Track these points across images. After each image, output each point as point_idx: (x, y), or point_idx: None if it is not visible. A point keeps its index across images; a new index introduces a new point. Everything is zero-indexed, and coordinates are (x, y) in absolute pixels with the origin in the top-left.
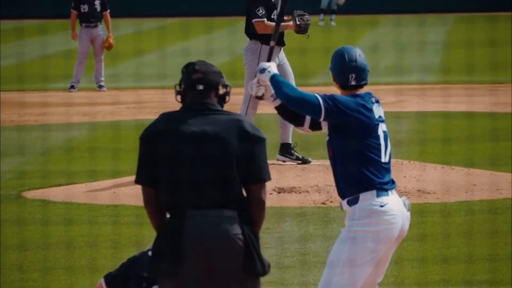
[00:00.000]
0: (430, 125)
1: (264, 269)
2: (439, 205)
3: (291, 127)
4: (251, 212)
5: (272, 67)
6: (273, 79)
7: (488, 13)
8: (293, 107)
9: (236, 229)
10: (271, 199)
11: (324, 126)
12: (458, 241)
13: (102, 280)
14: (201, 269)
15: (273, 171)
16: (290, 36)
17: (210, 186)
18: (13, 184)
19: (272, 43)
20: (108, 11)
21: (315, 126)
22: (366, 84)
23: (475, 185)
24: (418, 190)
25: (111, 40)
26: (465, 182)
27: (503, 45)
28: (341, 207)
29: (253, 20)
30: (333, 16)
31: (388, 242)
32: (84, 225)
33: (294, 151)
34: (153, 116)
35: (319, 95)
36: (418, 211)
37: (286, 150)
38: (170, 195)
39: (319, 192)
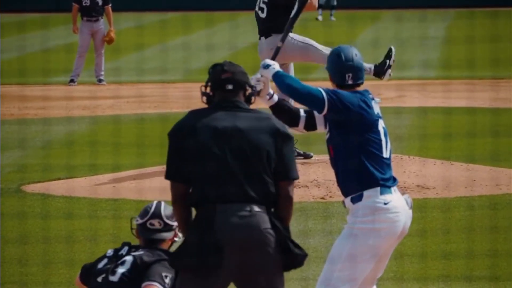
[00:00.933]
0: (430, 121)
1: (303, 258)
2: (439, 201)
3: None
4: (280, 208)
5: (276, 66)
6: (277, 73)
7: (488, 9)
8: (297, 100)
9: (266, 224)
10: None
11: (320, 126)
12: (458, 237)
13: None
14: (234, 263)
15: None
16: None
17: (240, 180)
18: (14, 178)
19: (279, 43)
20: (110, 5)
21: (310, 126)
22: (362, 83)
23: (475, 180)
24: (418, 186)
25: (112, 34)
26: (465, 178)
27: (504, 40)
28: (343, 204)
29: None
30: (333, 11)
31: (390, 240)
32: (84, 219)
33: (295, 147)
34: (154, 110)
35: (323, 89)
36: (418, 207)
37: None
38: (200, 189)
39: (319, 187)
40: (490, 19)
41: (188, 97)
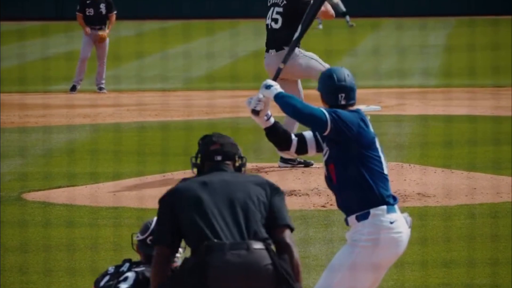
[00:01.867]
0: (431, 128)
1: None
2: (439, 209)
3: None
4: (283, 260)
5: (278, 86)
6: (279, 95)
7: (489, 17)
8: (300, 120)
9: (266, 260)
10: None
11: (311, 150)
12: (459, 245)
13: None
14: None
15: (273, 175)
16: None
17: (235, 228)
18: (14, 186)
19: (282, 65)
20: (115, 12)
21: (301, 150)
22: (354, 103)
23: (475, 188)
24: (419, 194)
25: (105, 34)
26: (466, 186)
27: (504, 48)
28: (346, 222)
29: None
30: (347, 17)
31: (392, 259)
32: (85, 227)
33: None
34: (154, 118)
35: (324, 109)
36: (418, 215)
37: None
38: (196, 238)
39: (319, 195)
40: (491, 27)
41: (188, 105)
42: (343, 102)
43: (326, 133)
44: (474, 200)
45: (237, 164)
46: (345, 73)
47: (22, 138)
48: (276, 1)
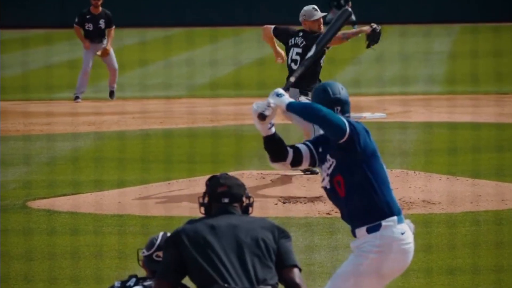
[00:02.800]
0: (435, 135)
1: None
2: (444, 216)
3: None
4: None
5: (287, 96)
6: (292, 102)
7: (492, 24)
8: (321, 124)
9: None
10: (276, 210)
11: (305, 161)
12: (464, 252)
13: None
14: None
15: (278, 182)
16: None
17: (243, 273)
18: (19, 194)
19: (292, 78)
20: (113, 27)
21: (296, 162)
22: (349, 116)
23: (480, 196)
24: (424, 201)
25: (107, 48)
26: (471, 193)
27: (506, 55)
28: (354, 234)
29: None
30: (356, 27)
31: (402, 270)
32: (90, 235)
33: None
34: (158, 126)
35: (342, 116)
36: (423, 222)
37: None
38: (204, 282)
39: (324, 203)
40: (494, 33)
41: (192, 112)
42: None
43: (342, 141)
44: (479, 207)
45: (244, 204)
46: (339, 87)
47: (27, 146)
48: (296, 42)
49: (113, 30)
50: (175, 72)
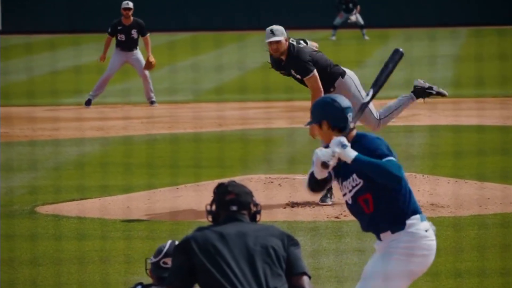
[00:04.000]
0: (442, 139)
1: None
2: (452, 219)
3: None
4: None
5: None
6: (357, 157)
7: (496, 27)
8: (385, 178)
9: None
10: (284, 214)
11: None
12: (471, 255)
13: None
14: None
15: (286, 186)
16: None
17: (255, 282)
18: (26, 199)
19: (352, 124)
20: (148, 35)
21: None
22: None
23: (489, 198)
24: (432, 204)
25: (151, 60)
26: (479, 196)
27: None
28: (378, 238)
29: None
30: (364, 31)
31: (426, 267)
32: (97, 240)
33: None
34: (164, 131)
35: (392, 157)
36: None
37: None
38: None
39: (333, 206)
40: (499, 37)
41: (198, 117)
42: (352, 124)
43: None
44: (487, 210)
45: (252, 211)
46: (343, 97)
47: (34, 151)
48: (292, 74)
49: (148, 38)
50: (181, 77)
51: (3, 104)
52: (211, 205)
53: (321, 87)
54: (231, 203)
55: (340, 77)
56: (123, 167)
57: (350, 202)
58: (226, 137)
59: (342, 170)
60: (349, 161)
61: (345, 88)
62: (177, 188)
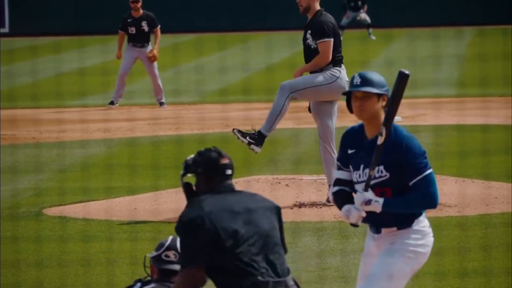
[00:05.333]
0: (447, 138)
1: None
2: (459, 218)
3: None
4: None
5: (373, 195)
6: (385, 204)
7: (501, 26)
8: (421, 209)
9: None
10: (291, 214)
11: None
12: (478, 255)
13: None
14: None
15: (293, 186)
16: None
17: (270, 264)
18: (32, 201)
19: (372, 172)
20: (159, 26)
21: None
22: None
23: (496, 198)
24: (440, 203)
25: (155, 52)
26: (486, 195)
27: None
28: (379, 232)
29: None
30: (371, 30)
31: (424, 263)
32: (103, 241)
33: None
34: (169, 132)
35: (430, 168)
36: (437, 225)
37: None
38: (234, 274)
39: None
40: (503, 36)
41: (202, 118)
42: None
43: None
44: (495, 210)
45: None
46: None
47: (39, 153)
48: (306, 37)
49: (159, 31)
50: (185, 78)
51: (8, 107)
52: (195, 171)
53: (330, 56)
54: (226, 167)
55: (333, 65)
56: (128, 169)
57: (362, 190)
58: (231, 138)
59: (367, 158)
60: (379, 211)
61: (325, 77)
62: (181, 189)
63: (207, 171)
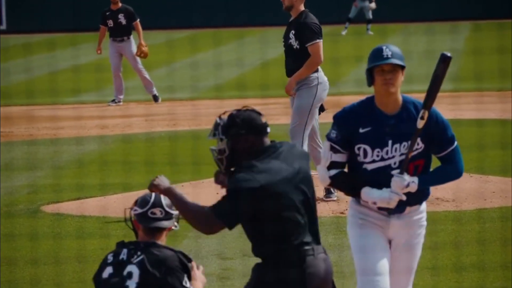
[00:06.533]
0: None
1: None
2: (457, 213)
3: None
4: None
5: (408, 177)
6: (421, 183)
7: (496, 20)
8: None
9: (330, 263)
10: None
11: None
12: (474, 249)
13: None
14: None
15: None
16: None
17: (312, 230)
18: (27, 199)
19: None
20: (138, 20)
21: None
22: None
23: (493, 192)
24: (437, 198)
25: (143, 48)
26: (484, 190)
27: (510, 52)
28: (402, 211)
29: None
30: (369, 26)
31: None
32: (99, 238)
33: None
34: (163, 129)
35: (456, 143)
36: (434, 219)
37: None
38: (281, 233)
39: (338, 202)
40: (497, 31)
41: (197, 114)
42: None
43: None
44: (492, 204)
45: None
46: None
47: (34, 150)
48: (288, 38)
49: (139, 24)
50: (180, 74)
51: (3, 104)
52: (235, 133)
53: (322, 57)
54: (267, 125)
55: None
56: (124, 165)
57: (395, 166)
58: None
59: (395, 134)
60: (414, 191)
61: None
62: (182, 186)
63: (251, 131)
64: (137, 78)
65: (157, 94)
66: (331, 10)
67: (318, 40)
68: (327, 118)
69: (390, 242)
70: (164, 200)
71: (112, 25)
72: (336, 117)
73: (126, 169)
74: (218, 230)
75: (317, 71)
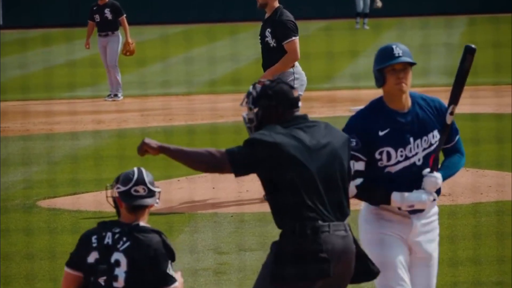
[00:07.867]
0: None
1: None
2: (453, 207)
3: None
4: None
5: (433, 173)
6: (443, 175)
7: (490, 15)
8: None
9: (353, 244)
10: None
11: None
12: (470, 243)
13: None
14: (337, 273)
15: None
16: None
17: (335, 205)
18: (24, 194)
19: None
20: (124, 15)
21: None
22: None
23: (490, 186)
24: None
25: (129, 46)
26: (480, 184)
27: (506, 46)
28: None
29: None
30: (366, 20)
31: None
32: None
33: None
34: (158, 123)
35: (457, 132)
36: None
37: None
38: (297, 205)
39: None
40: (492, 25)
41: (192, 109)
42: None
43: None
44: (489, 198)
45: None
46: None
47: (29, 145)
48: (265, 35)
49: (125, 20)
50: (174, 69)
51: None
52: (268, 107)
53: (299, 54)
54: (299, 99)
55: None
56: (119, 160)
57: (419, 163)
58: (220, 129)
59: (414, 130)
60: (440, 186)
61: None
62: (178, 180)
63: (281, 103)
64: (132, 73)
65: (119, 95)
66: (326, 4)
67: (294, 38)
68: (324, 113)
69: (410, 252)
70: (147, 177)
71: (98, 20)
72: (351, 126)
73: (122, 164)
74: (223, 172)
75: (293, 66)
